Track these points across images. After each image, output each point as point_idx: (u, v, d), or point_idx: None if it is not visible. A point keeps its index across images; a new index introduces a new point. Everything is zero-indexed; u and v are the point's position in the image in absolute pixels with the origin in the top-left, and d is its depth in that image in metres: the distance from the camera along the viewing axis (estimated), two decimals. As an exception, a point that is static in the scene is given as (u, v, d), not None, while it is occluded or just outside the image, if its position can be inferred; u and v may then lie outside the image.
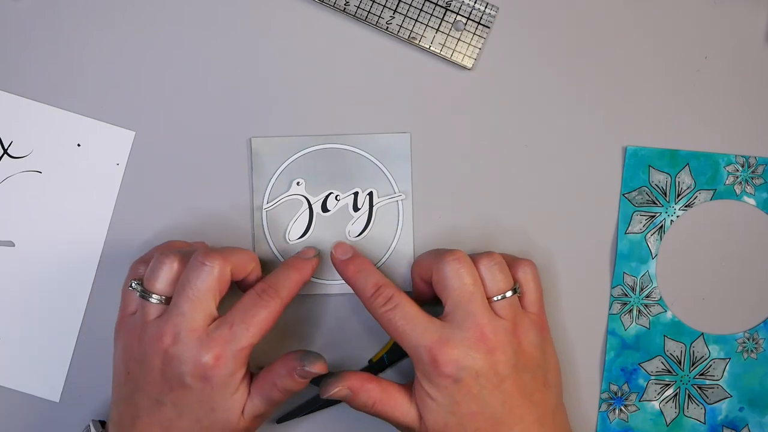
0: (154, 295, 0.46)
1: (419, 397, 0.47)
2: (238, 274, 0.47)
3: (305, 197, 0.53)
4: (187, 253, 0.47)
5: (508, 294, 0.47)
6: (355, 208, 0.53)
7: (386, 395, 0.47)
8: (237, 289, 0.49)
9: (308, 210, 0.53)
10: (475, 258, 0.47)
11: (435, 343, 0.45)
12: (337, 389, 0.47)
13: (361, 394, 0.47)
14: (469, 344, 0.45)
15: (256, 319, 0.46)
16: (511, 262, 0.49)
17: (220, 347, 0.45)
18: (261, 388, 0.47)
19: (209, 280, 0.45)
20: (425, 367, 0.46)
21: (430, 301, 0.49)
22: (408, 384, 0.48)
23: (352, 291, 0.53)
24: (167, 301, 0.46)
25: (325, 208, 0.53)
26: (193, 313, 0.45)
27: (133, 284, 0.47)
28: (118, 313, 0.49)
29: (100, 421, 0.50)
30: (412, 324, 0.46)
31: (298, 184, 0.53)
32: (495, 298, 0.47)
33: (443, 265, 0.46)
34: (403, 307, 0.47)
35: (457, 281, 0.46)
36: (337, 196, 0.53)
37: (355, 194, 0.53)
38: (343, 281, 0.51)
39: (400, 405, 0.47)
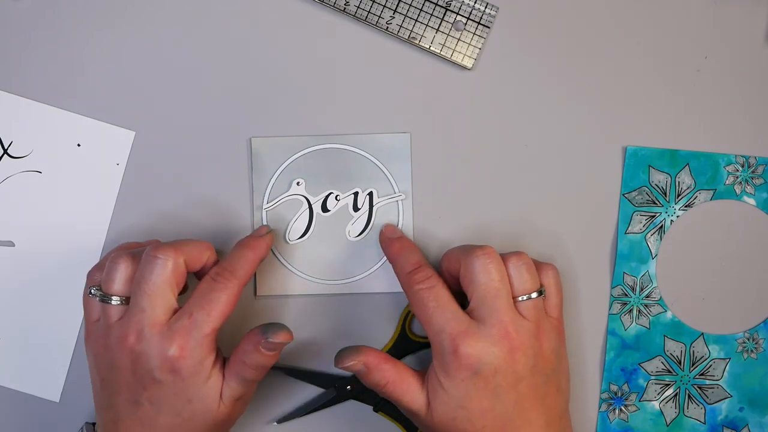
0: (113, 297, 0.46)
1: (431, 385, 0.46)
2: (194, 265, 0.47)
3: (305, 197, 0.53)
4: (140, 252, 0.47)
5: (534, 295, 0.47)
6: (355, 208, 0.53)
7: (399, 378, 0.47)
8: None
9: (308, 210, 0.53)
10: (504, 256, 0.47)
11: (459, 333, 0.45)
12: (352, 363, 0.47)
13: (375, 372, 0.47)
14: (492, 340, 0.45)
15: (214, 304, 0.45)
16: (536, 265, 0.49)
17: (182, 338, 0.44)
18: (233, 370, 0.46)
19: (164, 273, 0.45)
20: (445, 356, 0.45)
21: (455, 297, 0.49)
22: (422, 371, 0.48)
23: (351, 291, 0.53)
24: (127, 301, 0.46)
25: (325, 208, 0.53)
26: (152, 308, 0.45)
27: (92, 290, 0.47)
28: (84, 324, 0.49)
29: (92, 424, 0.50)
30: (442, 308, 0.46)
31: (298, 184, 0.53)
32: (520, 298, 0.46)
33: (472, 259, 0.46)
34: (438, 290, 0.46)
35: (485, 276, 0.46)
36: (337, 196, 0.53)
37: (355, 194, 0.53)
38: (335, 283, 0.50)
39: (411, 390, 0.47)
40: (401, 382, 0.47)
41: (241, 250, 0.48)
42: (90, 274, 0.49)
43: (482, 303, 0.46)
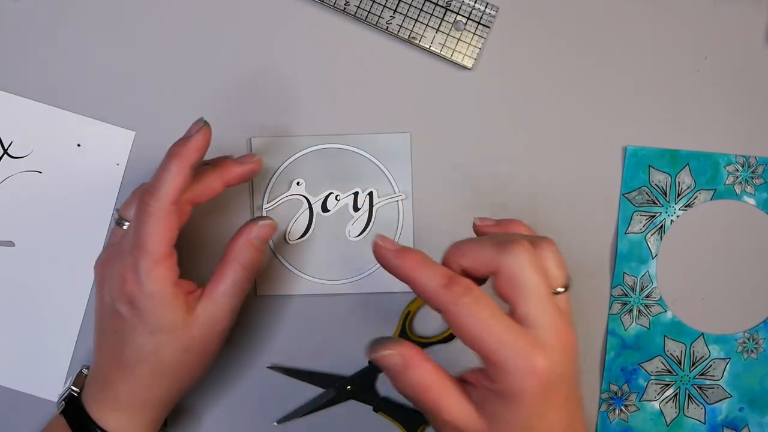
0: (125, 222, 0.47)
1: (489, 406, 0.38)
2: (195, 199, 0.46)
3: (305, 197, 0.53)
4: None
5: (563, 288, 0.41)
6: (355, 208, 0.53)
7: (441, 384, 0.39)
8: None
9: (308, 210, 0.53)
10: (534, 245, 0.40)
11: (531, 347, 0.37)
12: (388, 353, 0.39)
13: (413, 371, 0.39)
14: (557, 348, 0.38)
15: (143, 238, 0.43)
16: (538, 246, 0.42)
17: (131, 274, 0.43)
18: (220, 281, 0.45)
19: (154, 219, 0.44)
20: (514, 375, 0.37)
21: None
22: (461, 379, 0.40)
23: (351, 291, 0.53)
24: None
25: (325, 208, 0.53)
26: (126, 239, 0.45)
27: (114, 211, 0.48)
28: None
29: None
30: (498, 320, 0.37)
31: (298, 184, 0.53)
32: (558, 290, 0.40)
33: (514, 259, 0.38)
34: (485, 300, 0.38)
35: (534, 278, 0.38)
36: (337, 196, 0.53)
37: (355, 194, 0.53)
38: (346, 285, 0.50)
39: (452, 398, 0.39)
40: (443, 388, 0.39)
41: (165, 163, 0.44)
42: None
43: (536, 308, 0.38)
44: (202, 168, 0.47)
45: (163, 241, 0.43)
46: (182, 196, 0.44)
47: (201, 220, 0.53)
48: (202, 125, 0.44)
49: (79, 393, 0.48)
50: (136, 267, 0.43)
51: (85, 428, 0.46)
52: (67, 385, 0.49)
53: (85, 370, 0.49)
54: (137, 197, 0.46)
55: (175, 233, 0.44)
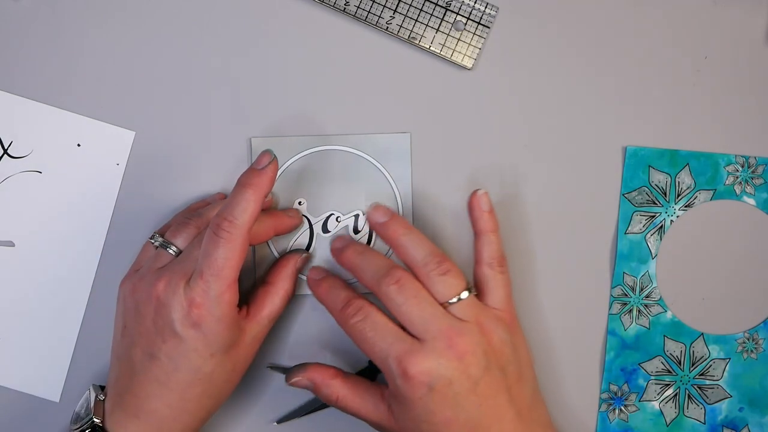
0: (172, 247, 0.48)
1: (393, 405, 0.46)
2: (255, 239, 0.49)
3: (306, 217, 0.53)
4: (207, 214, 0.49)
5: (464, 296, 0.46)
6: (356, 230, 0.52)
7: (351, 392, 0.48)
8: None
9: (309, 230, 0.53)
10: (415, 267, 0.46)
11: (404, 355, 0.44)
12: (297, 378, 0.49)
13: (323, 388, 0.48)
14: (437, 353, 0.44)
15: (220, 262, 0.44)
16: (477, 258, 0.48)
17: (200, 296, 0.44)
18: (265, 304, 0.48)
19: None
20: (396, 380, 0.44)
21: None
22: (383, 384, 0.48)
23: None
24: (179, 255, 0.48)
25: (325, 229, 0.53)
26: (189, 263, 0.46)
27: (155, 236, 0.49)
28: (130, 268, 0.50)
29: (100, 386, 0.49)
30: (381, 334, 0.45)
31: (300, 203, 0.52)
32: (450, 301, 0.46)
33: (383, 293, 0.46)
34: (373, 317, 0.46)
35: (400, 301, 0.45)
36: (338, 217, 0.53)
37: (356, 216, 0.52)
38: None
39: (367, 404, 0.47)
40: (353, 396, 0.48)
41: (240, 191, 0.45)
42: (159, 230, 0.51)
43: (412, 323, 0.45)
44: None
45: (237, 267, 0.45)
46: (254, 225, 0.45)
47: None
48: (273, 158, 0.46)
49: (102, 421, 0.46)
50: (207, 291, 0.44)
51: None
52: (82, 406, 0.48)
53: (101, 396, 0.48)
54: (184, 223, 0.48)
55: (243, 260, 0.45)
